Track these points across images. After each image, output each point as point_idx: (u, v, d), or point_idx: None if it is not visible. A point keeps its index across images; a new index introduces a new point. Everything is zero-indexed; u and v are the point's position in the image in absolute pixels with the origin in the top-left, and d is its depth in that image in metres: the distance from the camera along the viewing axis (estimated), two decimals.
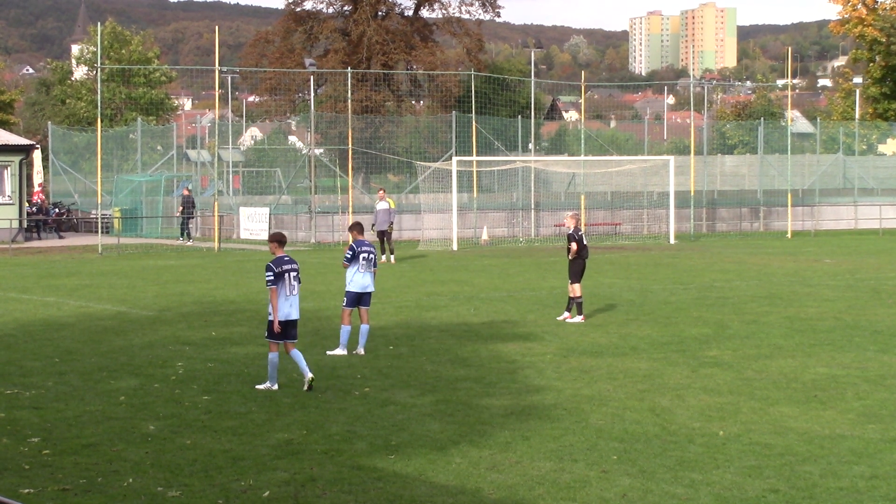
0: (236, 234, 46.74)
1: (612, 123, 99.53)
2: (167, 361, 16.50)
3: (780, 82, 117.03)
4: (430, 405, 13.46)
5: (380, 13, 68.17)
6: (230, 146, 56.78)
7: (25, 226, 46.99)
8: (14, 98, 69.00)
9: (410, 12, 70.42)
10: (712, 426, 12.33)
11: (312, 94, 48.69)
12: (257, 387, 14.45)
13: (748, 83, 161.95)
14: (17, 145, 47.82)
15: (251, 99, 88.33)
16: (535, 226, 48.96)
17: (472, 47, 69.75)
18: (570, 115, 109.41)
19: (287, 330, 14.52)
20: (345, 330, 17.17)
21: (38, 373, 15.62)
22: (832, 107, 78.38)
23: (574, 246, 21.34)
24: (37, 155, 52.58)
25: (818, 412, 13.05)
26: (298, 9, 69.41)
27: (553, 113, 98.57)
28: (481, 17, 71.94)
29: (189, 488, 10.03)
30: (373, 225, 35.29)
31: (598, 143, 59.17)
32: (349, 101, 47.96)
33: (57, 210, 52.10)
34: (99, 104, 43.82)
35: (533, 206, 49.30)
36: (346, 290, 17.14)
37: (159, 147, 61.37)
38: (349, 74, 49.34)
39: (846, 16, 70.32)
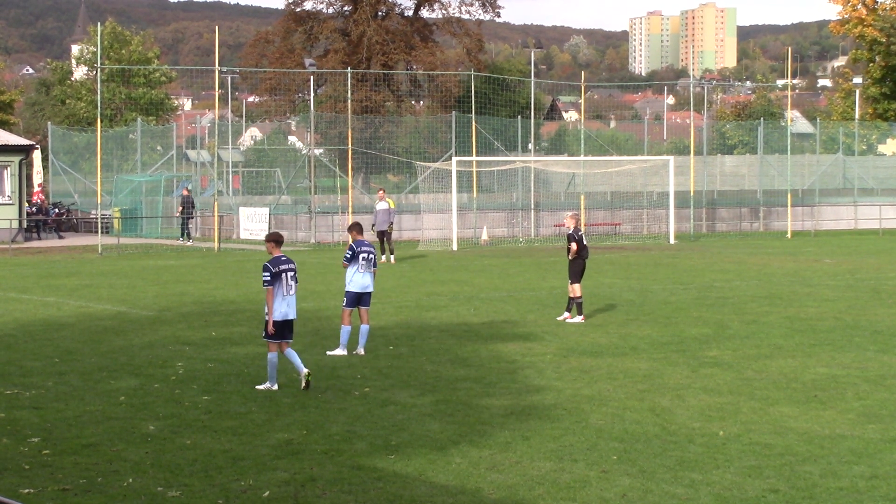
0: (236, 235, 46.75)
1: (612, 123, 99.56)
2: (167, 361, 16.50)
3: (780, 82, 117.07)
4: (430, 405, 13.46)
5: (380, 13, 68.18)
6: (230, 146, 56.78)
7: (25, 226, 46.99)
8: (14, 98, 69.02)
9: (410, 12, 70.45)
10: (712, 426, 12.33)
11: (312, 95, 48.69)
12: (257, 387, 14.45)
13: (748, 83, 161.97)
14: (17, 145, 47.83)
15: (251, 99, 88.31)
16: (534, 226, 48.96)
17: (472, 47, 69.75)
18: (570, 116, 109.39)
19: (284, 330, 14.54)
20: (345, 330, 17.17)
21: (38, 373, 15.62)
22: (832, 107, 78.37)
23: (574, 246, 21.35)
24: (37, 155, 52.59)
25: (818, 412, 13.05)
26: (298, 9, 69.42)
27: (553, 113, 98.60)
28: (481, 17, 72.01)
29: (189, 488, 10.03)
30: (373, 225, 35.30)
31: (597, 143, 59.17)
32: (349, 101, 47.96)
33: (57, 210, 52.11)
34: (99, 104, 43.82)
35: (533, 207, 49.30)
36: (346, 290, 17.14)
37: (159, 147, 61.37)
38: (349, 74, 49.34)
39: (846, 16, 70.32)
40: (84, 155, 59.11)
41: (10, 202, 46.17)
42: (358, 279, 17.11)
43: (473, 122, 48.03)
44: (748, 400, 13.74)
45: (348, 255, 17.16)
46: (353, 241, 17.38)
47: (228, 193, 53.33)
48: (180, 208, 45.85)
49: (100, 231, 43.01)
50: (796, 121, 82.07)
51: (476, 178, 48.02)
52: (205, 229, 48.07)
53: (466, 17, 70.91)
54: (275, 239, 14.89)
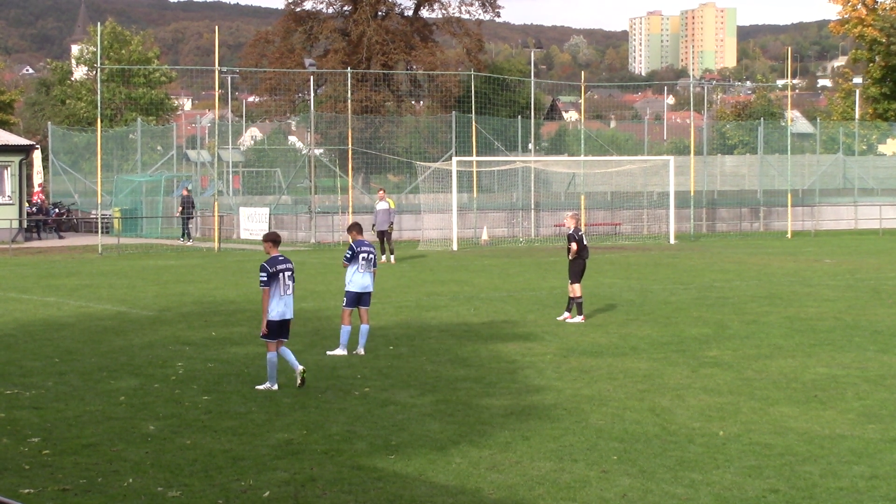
0: (236, 235, 46.76)
1: (612, 123, 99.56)
2: (167, 361, 16.50)
3: (780, 82, 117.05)
4: (430, 405, 13.46)
5: (380, 13, 68.18)
6: (230, 146, 56.77)
7: (25, 226, 47.00)
8: (14, 98, 69.04)
9: (410, 12, 70.46)
10: (712, 426, 12.33)
11: (312, 95, 48.69)
12: (257, 387, 14.45)
13: (748, 83, 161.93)
14: (17, 145, 47.84)
15: (251, 99, 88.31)
16: (535, 226, 48.95)
17: (472, 47, 69.76)
18: (570, 116, 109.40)
19: (281, 329, 14.56)
20: (345, 330, 17.17)
21: (38, 373, 15.62)
22: (832, 107, 78.38)
23: (574, 246, 21.35)
24: (37, 155, 52.60)
25: (818, 412, 13.05)
26: (298, 9, 69.44)
27: (553, 113, 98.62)
28: (481, 17, 72.03)
29: (189, 488, 10.03)
30: (373, 225, 35.31)
31: (598, 143, 59.17)
32: (349, 101, 47.97)
33: (57, 210, 52.11)
34: (99, 104, 43.82)
35: (533, 207, 49.30)
36: (346, 290, 17.15)
37: (159, 147, 61.39)
38: (349, 74, 49.34)
39: (846, 16, 70.33)
40: (84, 155, 59.13)
41: (11, 202, 46.18)
42: (358, 279, 17.11)
43: (473, 122, 48.04)
44: (748, 400, 13.74)
45: (348, 255, 17.17)
46: (352, 241, 17.39)
47: (228, 193, 53.34)
48: (180, 208, 45.85)
49: (100, 231, 43.01)
50: (796, 121, 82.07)
51: (476, 178, 48.02)
52: (205, 229, 48.07)
53: (466, 17, 71.01)
54: (272, 239, 14.89)
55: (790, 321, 20.84)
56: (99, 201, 43.78)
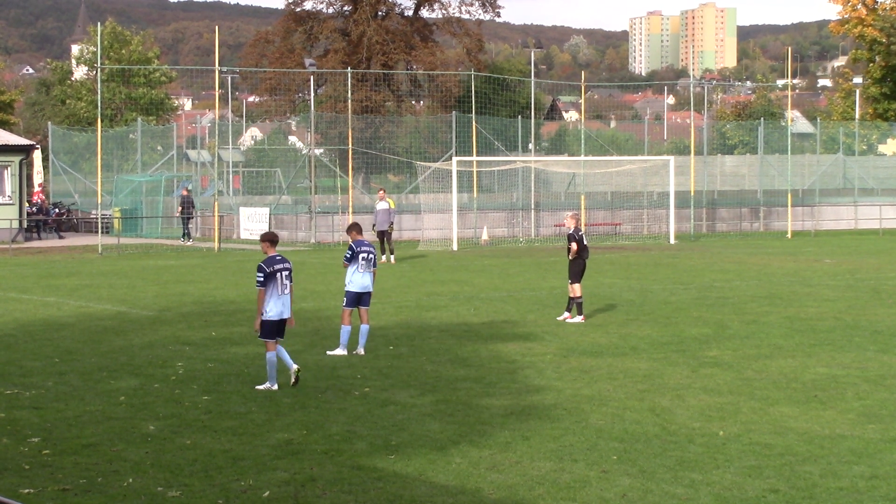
0: (236, 235, 46.76)
1: (612, 123, 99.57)
2: (167, 361, 16.50)
3: (780, 82, 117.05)
4: (430, 405, 13.46)
5: (380, 13, 68.18)
6: (230, 146, 56.79)
7: (25, 226, 47.00)
8: (14, 98, 69.03)
9: (410, 12, 70.46)
10: (712, 426, 12.33)
11: (312, 94, 48.69)
12: (257, 387, 14.46)
13: (748, 83, 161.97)
14: (17, 145, 47.83)
15: (251, 99, 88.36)
16: (535, 226, 48.95)
17: (472, 47, 69.76)
18: (570, 116, 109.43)
19: (278, 328, 14.58)
20: (345, 330, 17.17)
21: (38, 373, 15.62)
22: (832, 107, 78.39)
23: (574, 246, 21.35)
24: (37, 155, 52.59)
25: (818, 412, 13.05)
26: (298, 9, 69.44)
27: (553, 113, 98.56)
28: (481, 17, 72.02)
29: (189, 488, 10.03)
30: (373, 225, 35.32)
31: (598, 143, 59.17)
32: (349, 101, 47.96)
33: (57, 210, 52.12)
34: (99, 104, 43.83)
35: (533, 207, 49.30)
36: (346, 290, 17.15)
37: (159, 147, 61.39)
38: (349, 74, 49.35)
39: (846, 16, 70.33)
40: (84, 155, 59.13)
41: (11, 202, 46.18)
42: (358, 279, 17.12)
43: (473, 122, 48.04)
44: (748, 400, 13.74)
45: (348, 255, 17.17)
46: (352, 241, 17.39)
47: (229, 193, 53.34)
48: (180, 208, 45.85)
49: (100, 231, 43.01)
50: (796, 121, 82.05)
51: (476, 178, 48.02)
52: (205, 229, 48.07)
53: (466, 17, 71.00)
54: (269, 239, 14.91)
55: (790, 321, 20.84)
56: (99, 201, 43.79)
